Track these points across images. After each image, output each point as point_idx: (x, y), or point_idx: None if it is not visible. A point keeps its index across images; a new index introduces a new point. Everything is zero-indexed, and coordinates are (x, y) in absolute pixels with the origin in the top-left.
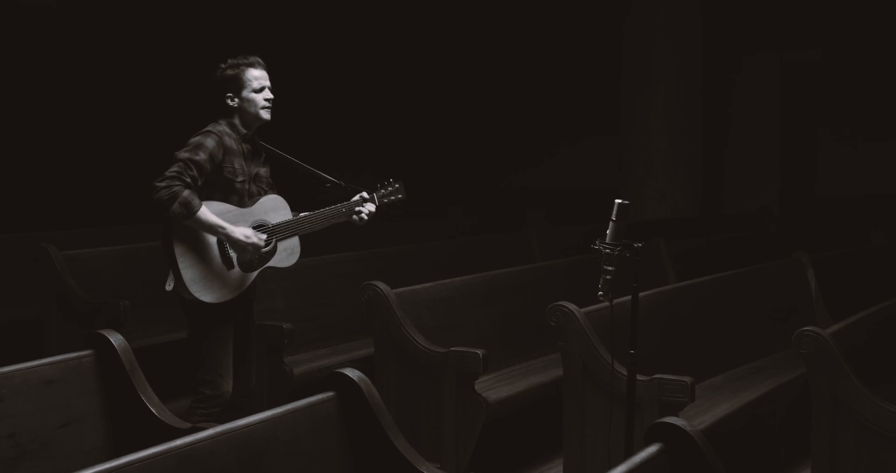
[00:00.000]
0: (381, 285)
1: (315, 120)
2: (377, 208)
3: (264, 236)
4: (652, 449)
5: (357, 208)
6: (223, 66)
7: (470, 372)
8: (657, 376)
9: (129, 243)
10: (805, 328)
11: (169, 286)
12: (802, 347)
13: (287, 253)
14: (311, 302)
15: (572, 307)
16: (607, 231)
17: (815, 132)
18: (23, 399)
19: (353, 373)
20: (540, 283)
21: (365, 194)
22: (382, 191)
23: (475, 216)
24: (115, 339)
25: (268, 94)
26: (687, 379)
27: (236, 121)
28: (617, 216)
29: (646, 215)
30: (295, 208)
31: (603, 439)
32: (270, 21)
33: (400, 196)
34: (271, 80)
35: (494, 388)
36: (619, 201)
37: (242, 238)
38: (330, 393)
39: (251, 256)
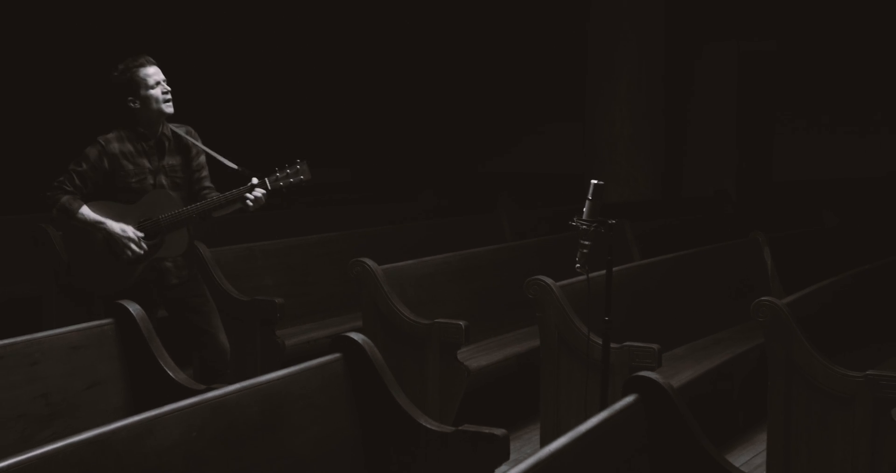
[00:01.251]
0: (369, 262)
1: (291, 111)
2: (271, 191)
3: (141, 235)
4: (629, 399)
5: (245, 194)
6: (115, 73)
7: (453, 342)
8: (627, 343)
9: None
10: (763, 298)
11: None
12: (760, 315)
13: (174, 243)
14: (296, 279)
15: (548, 280)
16: (584, 209)
17: (770, 120)
18: (53, 363)
19: (357, 337)
20: (513, 261)
21: (255, 180)
22: (278, 174)
23: (447, 200)
24: (134, 309)
25: (164, 86)
26: (654, 346)
27: (138, 123)
28: (593, 196)
29: (610, 199)
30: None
31: (577, 402)
32: (245, 14)
33: (301, 177)
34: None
35: (474, 357)
36: (595, 181)
37: (119, 232)
38: (337, 355)
39: (127, 248)
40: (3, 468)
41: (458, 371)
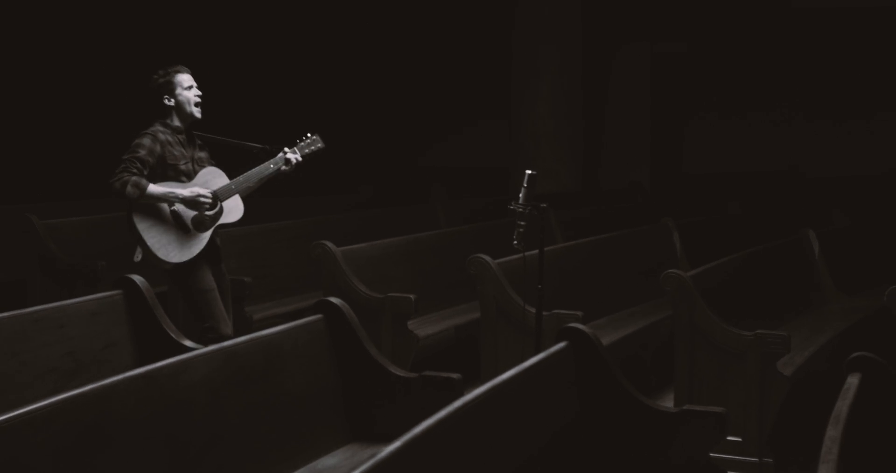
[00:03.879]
0: (329, 244)
1: (230, 108)
2: (302, 157)
3: (208, 192)
4: (561, 345)
5: (285, 158)
6: (156, 76)
7: (404, 313)
8: (555, 311)
9: (100, 213)
10: (670, 271)
11: (137, 258)
12: (668, 285)
13: (231, 210)
14: (257, 263)
15: (487, 258)
16: (520, 195)
17: (681, 116)
18: (76, 326)
19: (336, 300)
20: (451, 244)
21: (286, 149)
22: (301, 143)
23: (384, 192)
24: (139, 280)
25: (196, 91)
26: (578, 313)
27: (172, 119)
28: (528, 183)
29: (534, 190)
30: (236, 175)
31: (513, 363)
32: (178, 9)
33: (320, 145)
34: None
35: (421, 327)
36: (530, 171)
37: (192, 195)
38: (319, 315)
39: (201, 208)
40: (80, 393)
41: (408, 338)
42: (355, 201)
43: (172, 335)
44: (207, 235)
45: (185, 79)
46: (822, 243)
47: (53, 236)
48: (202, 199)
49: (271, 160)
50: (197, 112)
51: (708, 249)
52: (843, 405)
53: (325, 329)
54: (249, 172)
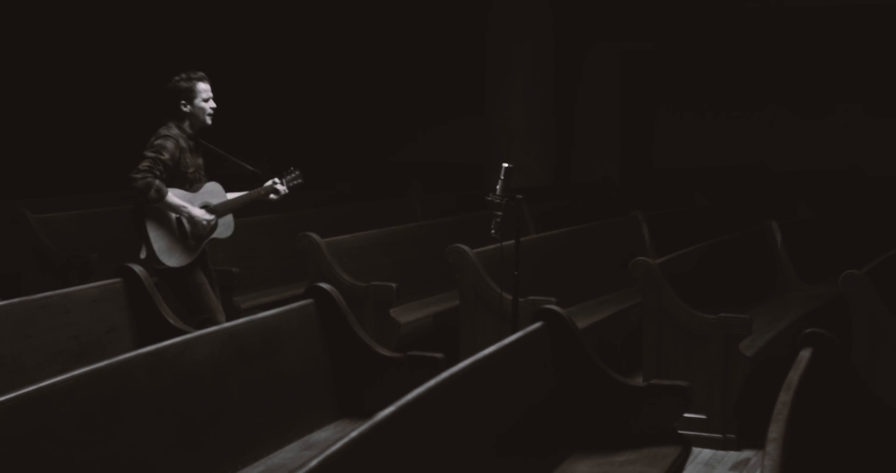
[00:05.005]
0: (314, 236)
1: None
2: (288, 189)
3: (213, 217)
4: (537, 324)
5: (275, 187)
6: (177, 78)
7: (386, 301)
8: (530, 297)
9: (91, 207)
10: (638, 258)
11: (142, 255)
12: (636, 272)
13: (225, 227)
14: (243, 254)
15: (465, 247)
16: (497, 187)
17: (650, 113)
18: (81, 312)
19: (326, 286)
20: (429, 236)
21: (277, 180)
22: (288, 177)
23: (362, 187)
24: (138, 269)
25: (212, 103)
26: (552, 299)
27: (185, 124)
28: (504, 176)
29: (511, 183)
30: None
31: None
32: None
33: (300, 181)
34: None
35: (402, 315)
36: (506, 165)
37: (200, 215)
38: (310, 300)
39: (202, 229)
40: (98, 368)
41: (391, 325)
42: (333, 196)
43: (170, 320)
44: (202, 245)
45: (204, 89)
46: (785, 233)
47: (47, 230)
48: (205, 222)
49: (262, 188)
50: (209, 121)
51: (675, 240)
52: (794, 375)
53: (315, 313)
54: (245, 194)
